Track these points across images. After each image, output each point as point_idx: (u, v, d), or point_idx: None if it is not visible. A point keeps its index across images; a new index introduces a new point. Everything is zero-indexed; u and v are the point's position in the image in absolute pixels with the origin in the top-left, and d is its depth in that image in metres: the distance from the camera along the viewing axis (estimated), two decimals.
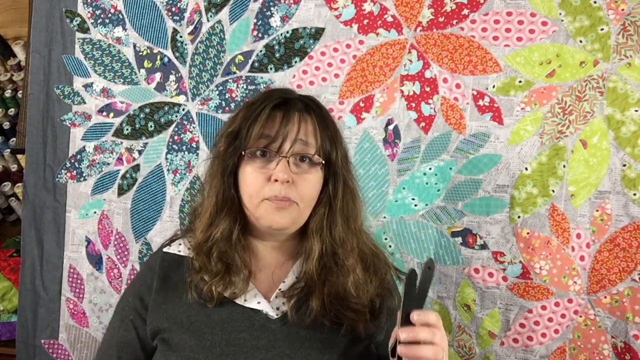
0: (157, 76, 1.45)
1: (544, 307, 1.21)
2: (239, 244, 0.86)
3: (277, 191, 0.81)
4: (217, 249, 0.84)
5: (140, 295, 0.90)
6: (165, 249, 0.94)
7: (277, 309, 0.85)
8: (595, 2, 1.17)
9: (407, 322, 0.71)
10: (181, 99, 1.43)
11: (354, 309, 0.83)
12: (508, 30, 1.22)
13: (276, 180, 0.81)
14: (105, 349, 0.93)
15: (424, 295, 0.73)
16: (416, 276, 0.72)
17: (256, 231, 0.89)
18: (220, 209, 0.86)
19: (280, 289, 0.86)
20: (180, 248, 0.92)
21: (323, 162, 0.85)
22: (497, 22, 1.22)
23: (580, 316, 1.19)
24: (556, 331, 1.20)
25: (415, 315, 0.70)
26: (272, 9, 1.35)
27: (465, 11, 1.24)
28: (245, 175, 0.84)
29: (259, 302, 0.84)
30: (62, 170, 1.51)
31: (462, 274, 1.24)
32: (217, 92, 1.40)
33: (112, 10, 1.47)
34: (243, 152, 0.83)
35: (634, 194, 1.15)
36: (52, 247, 1.51)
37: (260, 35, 1.36)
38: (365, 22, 1.30)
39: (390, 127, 1.29)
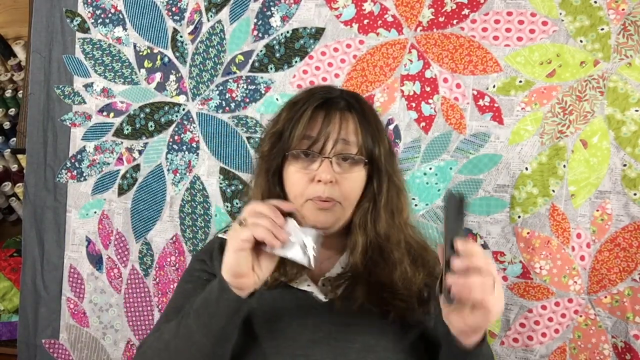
0: (158, 76, 1.45)
1: (544, 307, 1.20)
2: None
3: (321, 192, 0.83)
4: None
5: (206, 262, 0.94)
6: (220, 235, 0.98)
7: (325, 295, 0.87)
8: (595, 2, 1.17)
9: (452, 251, 0.64)
10: (181, 99, 1.43)
11: (401, 299, 0.84)
12: (508, 30, 1.22)
13: (319, 181, 0.83)
14: (183, 310, 0.90)
15: (462, 224, 0.67)
16: (456, 200, 0.67)
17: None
18: None
19: (326, 276, 0.88)
20: None
21: (366, 160, 0.86)
22: (497, 22, 1.22)
23: (581, 316, 1.19)
24: (556, 331, 1.20)
25: (460, 244, 0.66)
26: (272, 8, 1.35)
27: (466, 11, 1.24)
28: (289, 175, 0.86)
29: (308, 285, 0.87)
30: (63, 170, 1.51)
31: None
32: (217, 92, 1.40)
33: (113, 10, 1.47)
34: (286, 154, 0.85)
35: (635, 194, 1.15)
36: (52, 247, 1.52)
37: (260, 35, 1.36)
38: (365, 22, 1.30)
39: (391, 127, 1.29)
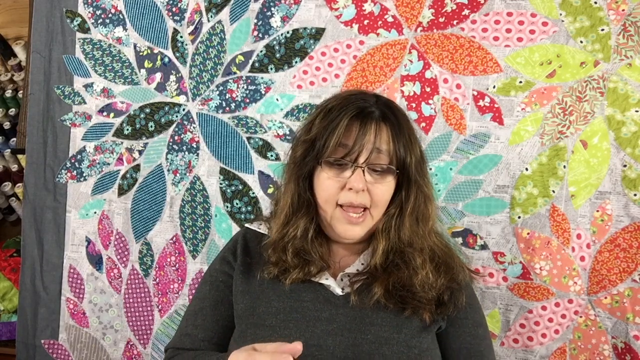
0: (158, 76, 1.45)
1: (544, 308, 1.20)
2: (316, 241, 0.91)
3: (353, 198, 0.85)
4: (293, 246, 0.89)
5: (227, 259, 0.97)
6: (247, 225, 1.01)
7: (342, 289, 0.89)
8: (595, 3, 1.17)
9: None
10: (181, 99, 1.43)
11: (419, 300, 0.86)
12: (508, 30, 1.22)
13: (350, 189, 0.85)
14: (196, 315, 0.94)
15: None
16: None
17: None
18: (297, 210, 0.90)
19: (345, 272, 0.90)
20: (260, 227, 0.99)
21: (397, 170, 0.87)
22: (497, 22, 1.22)
23: (581, 316, 1.19)
24: (556, 331, 1.20)
25: None
26: (272, 9, 1.35)
27: (466, 11, 1.24)
28: (320, 181, 0.88)
29: (326, 279, 0.88)
30: (63, 171, 1.51)
31: None
32: (217, 93, 1.40)
33: (113, 11, 1.47)
34: (320, 161, 0.87)
35: (635, 195, 1.15)
36: (52, 247, 1.51)
37: (260, 35, 1.37)
38: (365, 22, 1.30)
39: None
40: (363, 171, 0.84)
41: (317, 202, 0.89)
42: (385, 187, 0.87)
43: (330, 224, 0.88)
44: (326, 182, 0.86)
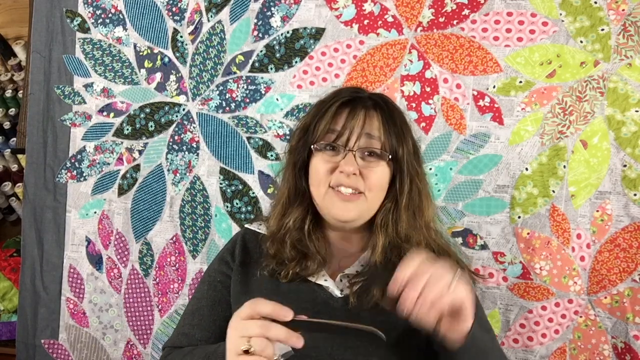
0: (158, 76, 1.45)
1: (544, 308, 1.20)
2: (313, 234, 0.90)
3: (344, 181, 0.84)
4: (290, 238, 0.89)
5: (226, 259, 0.96)
6: (247, 225, 1.01)
7: (341, 290, 0.88)
8: (595, 3, 1.17)
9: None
10: (181, 99, 1.43)
11: None
12: (508, 30, 1.22)
13: (342, 172, 0.85)
14: (194, 314, 0.94)
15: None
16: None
17: (327, 221, 0.93)
18: (293, 200, 0.91)
19: (344, 272, 0.90)
20: (260, 227, 0.99)
21: (390, 156, 0.87)
22: (497, 22, 1.22)
23: (581, 316, 1.19)
24: (556, 331, 1.20)
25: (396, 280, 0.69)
26: (272, 9, 1.35)
27: (466, 11, 1.24)
28: (313, 166, 0.88)
29: (325, 280, 0.88)
30: (63, 170, 1.51)
31: None
32: (217, 92, 1.40)
33: (113, 10, 1.47)
34: (312, 146, 0.88)
35: (635, 195, 1.15)
36: (52, 247, 1.51)
37: (260, 35, 1.37)
38: (365, 22, 1.30)
39: None
40: (354, 155, 0.84)
41: (312, 191, 0.89)
42: (379, 171, 0.86)
43: (324, 206, 0.87)
44: (318, 165, 0.87)
